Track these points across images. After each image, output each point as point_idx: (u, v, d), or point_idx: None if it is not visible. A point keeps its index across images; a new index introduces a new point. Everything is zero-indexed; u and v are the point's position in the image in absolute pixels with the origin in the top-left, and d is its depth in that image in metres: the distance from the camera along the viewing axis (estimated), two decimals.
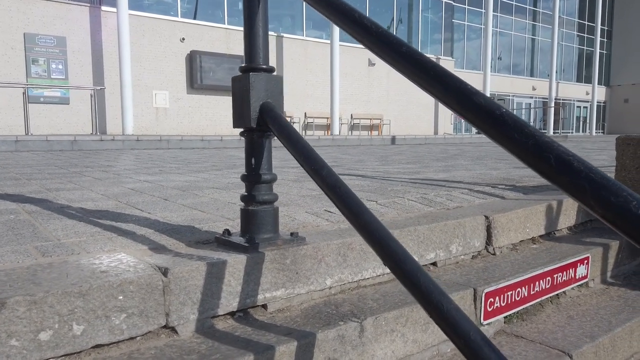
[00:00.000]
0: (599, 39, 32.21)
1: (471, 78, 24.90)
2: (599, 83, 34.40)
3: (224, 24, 14.71)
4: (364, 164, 4.91)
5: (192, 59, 13.71)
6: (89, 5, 12.23)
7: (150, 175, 3.42)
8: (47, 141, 7.53)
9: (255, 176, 1.35)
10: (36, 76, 11.53)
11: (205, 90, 14.22)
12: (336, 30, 14.82)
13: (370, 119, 18.40)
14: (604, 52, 34.53)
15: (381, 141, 12.19)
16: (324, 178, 1.07)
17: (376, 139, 12.08)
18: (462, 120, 24.73)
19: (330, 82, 15.28)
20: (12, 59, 11.26)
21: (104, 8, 12.41)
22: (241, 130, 1.39)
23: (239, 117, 1.37)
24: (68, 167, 4.16)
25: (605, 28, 34.19)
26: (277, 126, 1.28)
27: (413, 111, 20.02)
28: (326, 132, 17.26)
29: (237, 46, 14.76)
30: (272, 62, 15.58)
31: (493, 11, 24.42)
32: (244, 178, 1.37)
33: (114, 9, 12.43)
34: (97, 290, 0.99)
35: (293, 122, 16.29)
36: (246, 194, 1.36)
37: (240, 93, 1.37)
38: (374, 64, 18.18)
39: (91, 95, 9.81)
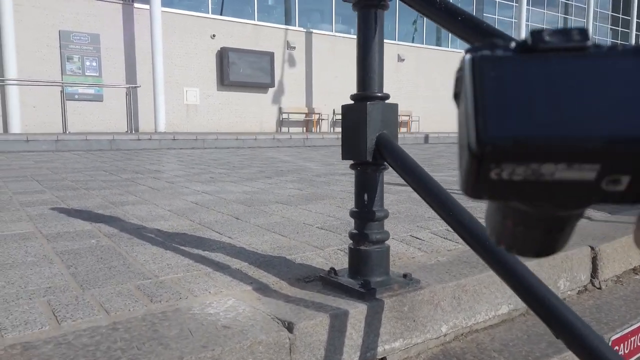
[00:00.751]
0: (634, 32, 31.15)
1: None
2: None
3: (254, 20, 14.66)
4: None
5: (223, 55, 13.71)
6: (121, 2, 12.31)
7: (204, 184, 3.36)
8: (87, 140, 7.60)
9: (368, 213, 1.25)
10: (70, 73, 11.68)
11: (234, 87, 14.22)
12: None
13: (399, 115, 18.14)
14: None
15: (413, 140, 11.98)
16: (470, 229, 0.96)
17: (408, 138, 11.89)
18: None
19: None
20: (47, 56, 11.42)
21: (136, 5, 12.48)
22: (352, 163, 1.29)
23: (352, 149, 1.27)
24: (118, 173, 4.14)
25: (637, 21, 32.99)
26: (398, 161, 1.17)
27: (442, 106, 19.69)
28: None
29: (265, 42, 14.70)
30: (301, 58, 15.49)
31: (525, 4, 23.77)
32: (354, 215, 1.27)
33: (147, 6, 12.49)
34: (229, 354, 0.90)
35: (321, 119, 16.19)
36: (356, 231, 1.26)
37: (353, 124, 1.26)
38: (403, 60, 17.92)
39: (126, 94, 9.89)
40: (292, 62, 15.33)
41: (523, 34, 20.91)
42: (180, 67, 13.26)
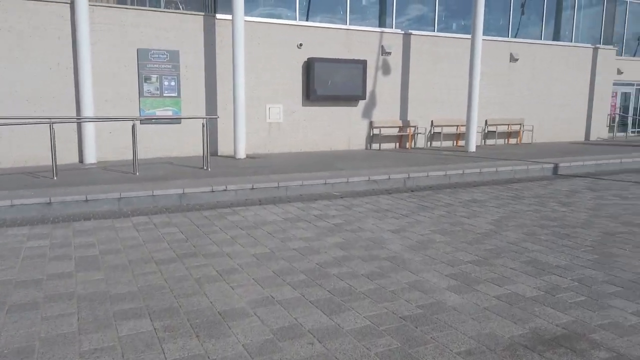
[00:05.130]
0: None
1: (635, 67, 20.66)
2: None
3: (346, 23, 12.98)
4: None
5: (310, 67, 12.22)
6: (203, 14, 11.21)
7: None
8: (153, 196, 6.46)
9: None
10: (148, 95, 10.82)
11: (321, 102, 12.72)
12: (480, 20, 12.35)
13: (509, 124, 15.66)
14: None
15: (540, 171, 9.72)
16: None
17: (534, 170, 9.64)
18: (616, 117, 20.58)
19: (468, 84, 12.90)
20: (125, 77, 10.63)
21: (218, 16, 11.33)
22: None
23: None
24: (168, 337, 2.72)
25: None
26: None
27: (559, 111, 16.80)
28: (455, 142, 14.95)
29: (358, 48, 12.98)
30: (397, 64, 13.59)
31: None
32: None
33: (229, 16, 11.30)
34: None
35: (417, 133, 14.24)
36: None
37: None
38: (516, 59, 15.32)
39: (203, 125, 8.74)
40: (386, 69, 13.48)
41: None
42: (263, 82, 11.99)
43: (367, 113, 13.45)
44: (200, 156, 11.19)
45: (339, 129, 13.12)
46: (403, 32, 13.54)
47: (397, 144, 14.20)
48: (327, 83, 12.44)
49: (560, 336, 2.86)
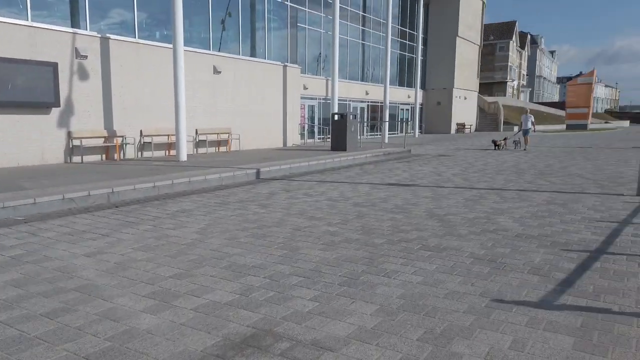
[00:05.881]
0: (420, 46, 34.99)
1: (316, 84, 24.53)
2: (414, 87, 37.69)
3: (27, 19, 11.14)
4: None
5: None
6: None
7: None
8: None
9: None
10: None
11: (1, 108, 10.58)
12: (180, 31, 12.43)
13: (218, 133, 16.41)
14: (421, 57, 37.81)
15: (245, 177, 10.46)
16: None
17: (239, 176, 10.31)
18: (305, 126, 24.18)
19: (174, 93, 12.86)
20: None
21: None
22: None
23: None
24: None
25: (421, 35, 37.25)
26: None
27: (261, 121, 18.60)
28: (167, 151, 14.76)
29: (46, 48, 11.33)
30: (96, 70, 12.49)
31: (330, 15, 24.18)
32: None
33: None
34: None
35: (126, 144, 13.43)
36: None
37: None
38: (219, 72, 16.15)
39: None
40: (83, 74, 12.20)
41: (337, 46, 21.09)
42: None
43: (64, 122, 11.89)
44: None
45: (27, 140, 11.19)
46: (100, 35, 12.52)
47: (104, 155, 13.07)
48: (7, 86, 10.44)
49: (250, 336, 3.03)
